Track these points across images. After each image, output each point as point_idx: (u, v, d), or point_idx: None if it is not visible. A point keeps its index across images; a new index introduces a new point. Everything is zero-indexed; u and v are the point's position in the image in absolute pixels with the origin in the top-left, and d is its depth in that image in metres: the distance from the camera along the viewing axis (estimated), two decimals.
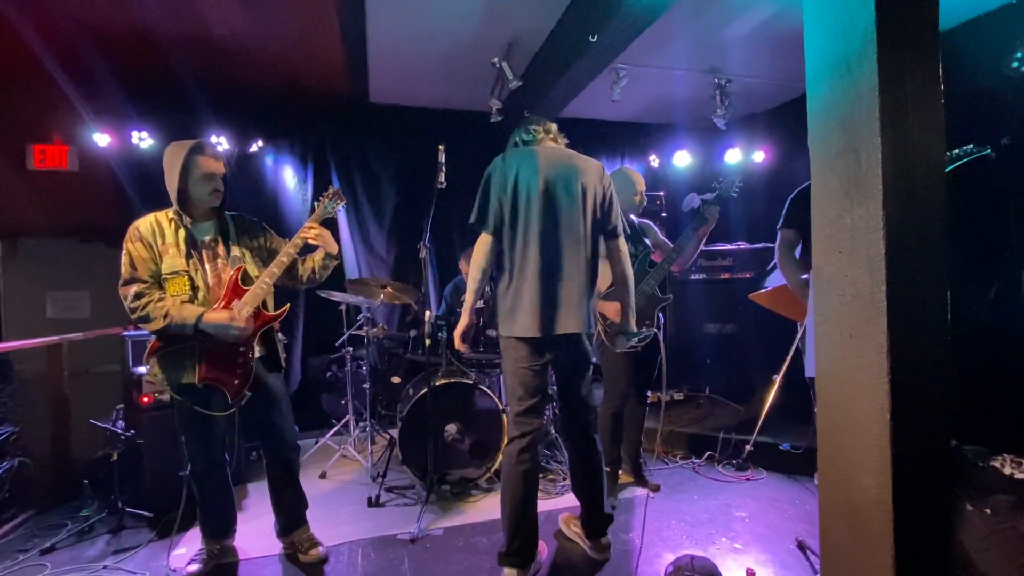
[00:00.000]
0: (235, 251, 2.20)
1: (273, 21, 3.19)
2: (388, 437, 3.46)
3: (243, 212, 2.35)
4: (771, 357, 3.70)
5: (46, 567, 2.34)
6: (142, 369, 2.95)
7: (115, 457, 2.78)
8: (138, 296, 2.01)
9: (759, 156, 4.85)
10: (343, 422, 3.76)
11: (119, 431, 2.88)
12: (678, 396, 4.11)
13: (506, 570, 2.04)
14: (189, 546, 2.45)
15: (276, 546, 2.41)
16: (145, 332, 3.32)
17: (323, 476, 3.29)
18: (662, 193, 4.60)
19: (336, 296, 3.51)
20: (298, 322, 4.34)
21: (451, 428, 2.89)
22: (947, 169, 1.40)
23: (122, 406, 3.11)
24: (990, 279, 3.08)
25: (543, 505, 2.76)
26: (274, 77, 3.93)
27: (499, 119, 3.94)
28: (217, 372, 2.08)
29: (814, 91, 1.43)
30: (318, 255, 2.34)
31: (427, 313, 2.88)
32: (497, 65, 3.51)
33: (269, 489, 2.35)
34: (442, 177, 2.99)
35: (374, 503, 2.82)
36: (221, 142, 4.03)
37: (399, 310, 4.64)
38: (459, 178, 3.16)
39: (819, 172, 1.42)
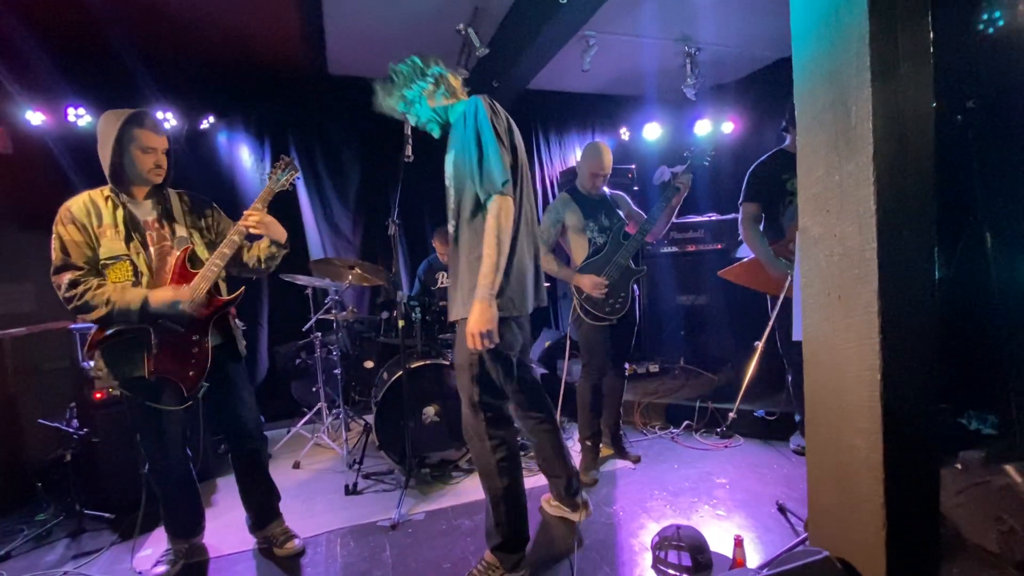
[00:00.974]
0: (180, 231, 2.02)
1: None
2: (363, 423, 3.36)
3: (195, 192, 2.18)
4: (743, 327, 3.74)
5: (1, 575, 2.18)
6: (90, 363, 2.75)
7: (68, 458, 2.60)
8: (73, 284, 1.81)
9: (728, 127, 4.84)
10: (315, 410, 3.63)
11: (71, 430, 2.69)
12: (653, 368, 4.13)
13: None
14: (155, 547, 2.31)
15: (249, 541, 2.30)
16: (93, 325, 3.13)
17: (296, 466, 3.18)
18: (633, 166, 4.55)
19: (301, 280, 3.35)
20: (262, 308, 4.16)
21: (429, 411, 2.81)
22: None
23: (74, 404, 2.91)
24: (954, 238, 3.16)
25: (525, 483, 2.73)
26: (224, 48, 3.67)
27: (467, 89, 3.78)
28: (170, 363, 1.91)
29: (800, 44, 1.38)
30: (263, 243, 2.13)
31: (399, 293, 2.78)
32: (463, 32, 3.36)
33: (237, 482, 2.23)
34: (409, 150, 2.84)
35: (352, 491, 2.73)
36: (168, 118, 3.77)
37: (369, 292, 4.49)
38: (427, 151, 3.03)
39: (806, 128, 1.37)
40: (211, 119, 3.97)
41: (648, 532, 2.15)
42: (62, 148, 3.63)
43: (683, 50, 4.00)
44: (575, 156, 5.08)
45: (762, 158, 2.82)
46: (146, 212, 1.99)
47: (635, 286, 2.78)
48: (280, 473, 3.00)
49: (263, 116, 4.20)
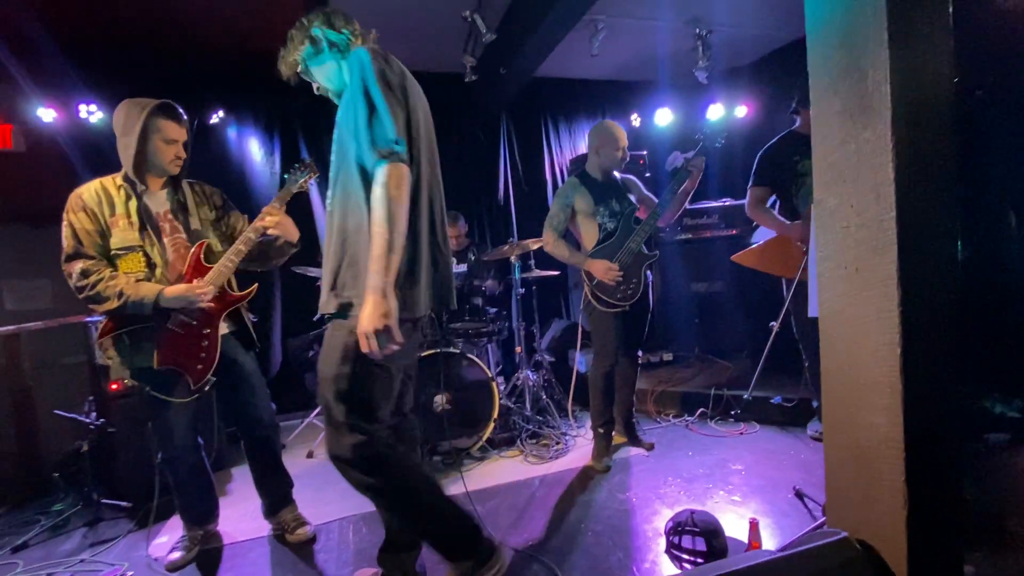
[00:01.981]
0: (194, 223, 2.03)
1: None
2: None
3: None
4: (758, 314, 3.67)
5: (17, 565, 2.22)
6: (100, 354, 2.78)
7: (85, 448, 2.64)
8: (84, 274, 1.80)
9: (742, 111, 4.75)
10: None
11: (87, 421, 2.73)
12: (667, 356, 4.08)
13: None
14: (171, 534, 2.34)
15: (263, 528, 2.32)
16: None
17: (310, 455, 3.20)
18: (645, 152, 4.47)
19: (313, 272, 3.36)
20: (275, 301, 4.18)
21: (440, 399, 2.80)
22: None
23: (92, 397, 2.95)
24: (976, 217, 3.06)
25: (537, 469, 2.72)
26: (231, 41, 3.67)
27: (474, 79, 3.76)
28: (177, 356, 1.92)
29: (813, 8, 1.33)
30: (276, 240, 2.12)
31: None
32: (469, 18, 3.32)
33: (251, 470, 2.24)
34: None
35: None
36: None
37: None
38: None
39: (820, 97, 1.32)
40: (221, 114, 3.98)
41: (662, 518, 2.11)
42: (73, 145, 3.66)
43: (694, 32, 3.92)
44: (584, 143, 5.02)
45: (772, 141, 2.76)
46: (160, 203, 1.99)
47: (648, 272, 2.74)
48: (294, 462, 3.02)
49: (272, 109, 4.21)
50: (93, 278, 1.80)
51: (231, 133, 4.11)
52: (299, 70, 1.65)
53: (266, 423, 2.18)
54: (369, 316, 1.30)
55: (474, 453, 2.90)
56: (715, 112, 4.74)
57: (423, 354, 2.78)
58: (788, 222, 2.63)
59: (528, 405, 3.19)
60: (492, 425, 2.88)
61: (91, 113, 3.63)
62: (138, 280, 1.87)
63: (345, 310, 1.44)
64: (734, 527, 1.97)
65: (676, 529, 1.87)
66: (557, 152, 4.95)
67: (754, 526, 1.78)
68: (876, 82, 1.17)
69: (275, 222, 2.01)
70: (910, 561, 1.21)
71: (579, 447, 2.99)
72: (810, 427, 2.89)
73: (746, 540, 1.81)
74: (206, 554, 2.17)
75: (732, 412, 3.13)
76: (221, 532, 2.32)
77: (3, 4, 2.94)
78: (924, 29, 1.19)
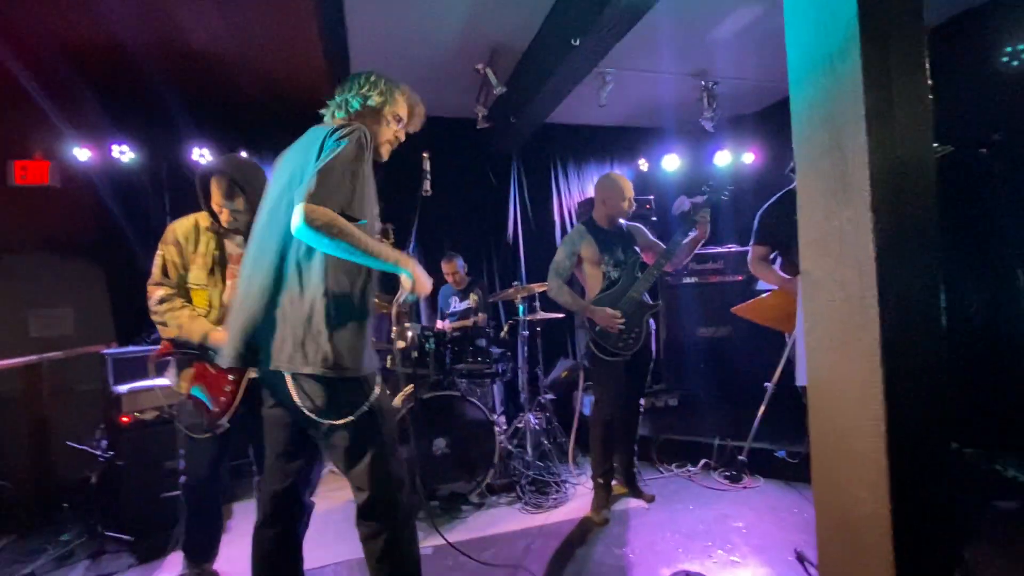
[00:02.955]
0: None
1: (252, 30, 3.15)
2: None
3: None
4: (766, 360, 3.64)
5: None
6: (122, 388, 2.86)
7: (94, 480, 2.70)
8: (162, 300, 2.01)
9: (749, 157, 4.82)
10: None
11: (98, 453, 2.79)
12: (672, 402, 4.04)
13: None
14: (170, 573, 2.36)
15: None
16: (126, 350, 3.28)
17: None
18: (652, 197, 4.55)
19: None
20: None
21: (439, 442, 2.82)
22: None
23: (103, 426, 3.03)
24: (985, 275, 3.04)
25: (535, 519, 2.70)
26: (256, 87, 3.88)
27: (485, 126, 3.90)
28: (203, 393, 2.02)
29: (797, 89, 1.39)
30: None
31: (413, 325, 2.83)
32: (482, 71, 3.47)
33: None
34: (427, 185, 2.93)
35: None
36: (204, 154, 3.97)
37: (387, 321, 4.57)
38: (446, 185, 3.12)
39: (805, 173, 1.37)
40: (244, 154, 4.16)
41: None
42: (104, 182, 3.85)
43: (700, 84, 4.03)
44: (593, 187, 5.12)
45: (771, 200, 2.80)
46: (235, 246, 2.14)
47: (651, 321, 2.76)
48: None
49: None
50: (166, 306, 2.00)
51: None
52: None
53: None
54: (421, 281, 1.56)
55: (472, 499, 2.89)
56: (722, 158, 4.82)
57: (425, 396, 2.81)
58: (788, 276, 2.65)
59: (529, 449, 3.18)
60: (492, 471, 2.87)
61: (123, 153, 3.82)
62: (199, 317, 2.03)
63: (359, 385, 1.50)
64: None
65: None
66: (566, 195, 5.05)
67: None
68: (855, 164, 1.22)
69: None
70: None
71: (579, 495, 2.96)
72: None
73: None
74: None
75: (728, 473, 3.08)
76: (219, 572, 2.33)
77: (46, 53, 3.16)
78: (902, 111, 1.24)
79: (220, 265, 2.09)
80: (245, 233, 2.14)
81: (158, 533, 2.58)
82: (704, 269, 4.28)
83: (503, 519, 2.72)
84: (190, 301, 2.06)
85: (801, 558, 2.13)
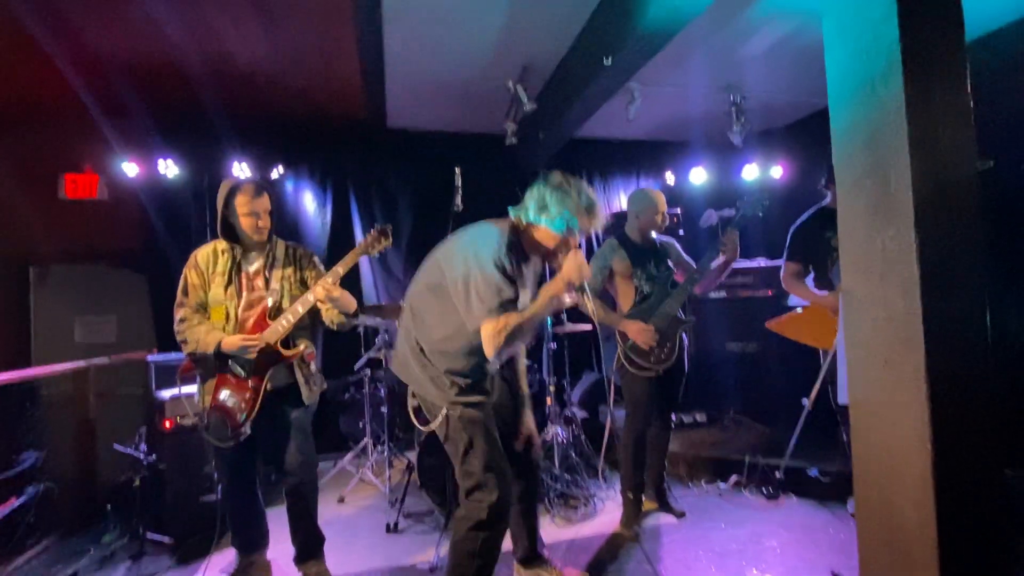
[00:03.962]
0: (275, 283, 2.24)
1: (294, 52, 3.28)
2: (406, 461, 3.43)
3: None
4: (797, 376, 3.59)
5: None
6: (165, 393, 2.97)
7: (137, 482, 2.79)
8: (182, 320, 2.16)
9: (777, 171, 4.79)
10: (360, 445, 3.74)
11: (141, 456, 2.89)
12: (701, 418, 4.01)
13: None
14: (212, 573, 2.43)
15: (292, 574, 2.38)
16: (168, 356, 3.40)
17: (341, 500, 3.27)
18: (679, 210, 4.55)
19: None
20: (317, 342, 4.36)
21: None
22: None
23: (144, 429, 3.13)
24: None
25: (564, 533, 2.70)
26: (295, 105, 4.02)
27: (514, 141, 3.96)
28: (225, 401, 2.13)
29: (837, 112, 1.41)
30: (334, 311, 2.26)
31: None
32: (512, 89, 3.55)
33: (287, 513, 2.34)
34: (459, 199, 3.01)
35: (392, 529, 2.78)
36: (244, 168, 4.12)
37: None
38: (476, 200, 3.18)
39: (846, 193, 1.39)
40: (280, 168, 4.30)
41: None
42: (149, 196, 4.03)
43: (728, 98, 4.04)
44: (619, 200, 5.13)
45: (803, 217, 2.78)
46: (252, 263, 2.26)
47: (683, 335, 2.76)
48: (325, 507, 3.07)
49: (326, 165, 4.53)
50: (185, 325, 2.15)
51: (288, 186, 4.43)
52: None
53: (295, 474, 2.23)
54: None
55: None
56: (750, 172, 4.80)
57: None
58: (821, 292, 2.62)
59: (557, 463, 3.19)
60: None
61: (168, 168, 3.98)
62: (215, 329, 2.14)
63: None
64: None
65: None
66: None
67: None
68: (899, 186, 1.23)
69: (322, 296, 2.13)
70: None
71: (608, 510, 2.95)
72: (850, 504, 2.77)
73: None
74: None
75: (764, 490, 3.03)
76: (271, 561, 2.39)
77: (101, 70, 3.33)
78: (945, 132, 1.25)
79: (236, 280, 2.21)
80: (269, 245, 2.27)
81: (198, 535, 2.65)
82: (733, 284, 4.25)
83: None
84: (209, 318, 2.19)
85: None
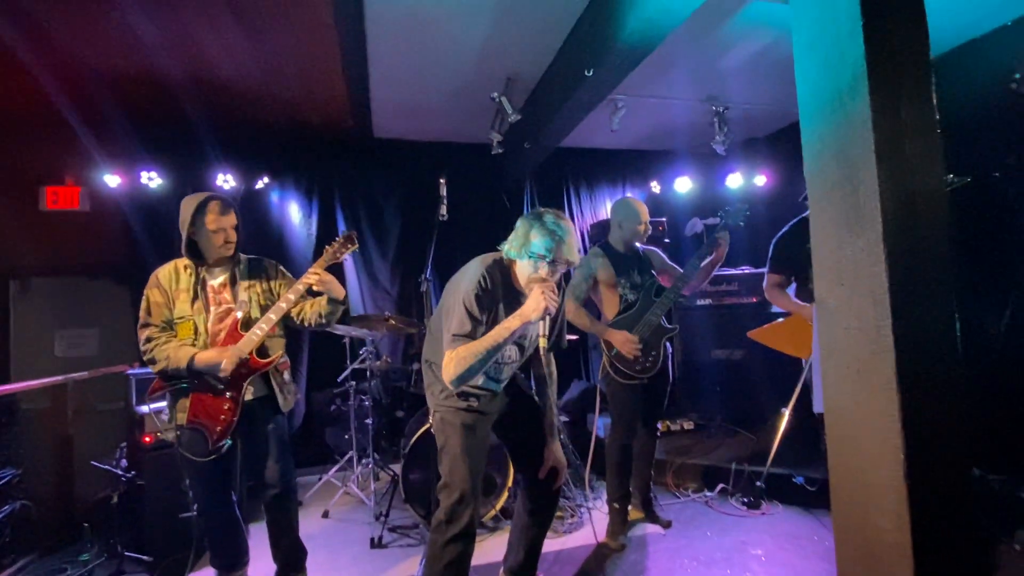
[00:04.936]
0: (242, 295, 2.22)
1: (277, 62, 3.27)
2: (391, 474, 3.40)
3: (248, 248, 2.36)
4: (782, 382, 3.62)
5: None
6: (144, 408, 2.93)
7: (115, 499, 2.74)
8: (148, 340, 2.12)
9: (761, 180, 4.85)
10: (346, 458, 3.70)
11: (120, 472, 2.84)
12: (688, 425, 4.02)
13: None
14: None
15: None
16: (148, 370, 3.34)
17: (325, 515, 3.23)
18: (664, 219, 4.59)
19: (340, 329, 3.49)
20: (302, 356, 4.32)
21: None
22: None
23: (125, 445, 3.08)
24: (1004, 299, 3.02)
25: (551, 544, 2.68)
26: (279, 115, 4.02)
27: (499, 151, 3.98)
28: (202, 416, 2.09)
29: (808, 124, 1.43)
30: (322, 300, 2.28)
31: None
32: (496, 100, 3.57)
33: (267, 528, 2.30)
34: (443, 209, 3.01)
35: (377, 544, 2.75)
36: (228, 180, 4.09)
37: (403, 342, 4.62)
38: (462, 210, 3.19)
39: (817, 204, 1.41)
40: (266, 179, 4.27)
41: None
42: (132, 207, 3.98)
43: (711, 109, 4.10)
44: (605, 209, 5.17)
45: (785, 228, 2.82)
46: (217, 277, 2.23)
47: (668, 344, 2.77)
48: (309, 521, 3.06)
49: (312, 175, 4.51)
50: (152, 344, 2.10)
51: (274, 197, 4.41)
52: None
53: (275, 485, 2.21)
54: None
55: (487, 523, 2.89)
56: (734, 181, 4.86)
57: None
58: (802, 303, 2.65)
59: None
60: (507, 494, 2.87)
61: (151, 179, 3.95)
62: (184, 345, 2.10)
63: None
64: None
65: None
66: (579, 217, 5.11)
67: None
68: (867, 197, 1.25)
69: (317, 280, 2.18)
70: None
71: (594, 520, 2.93)
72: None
73: None
74: None
75: (744, 500, 3.04)
76: None
77: (81, 82, 3.31)
78: (911, 144, 1.27)
79: (202, 295, 2.18)
80: (233, 259, 2.25)
81: (177, 553, 2.60)
82: (718, 291, 4.28)
83: None
84: (176, 335, 2.14)
85: None
